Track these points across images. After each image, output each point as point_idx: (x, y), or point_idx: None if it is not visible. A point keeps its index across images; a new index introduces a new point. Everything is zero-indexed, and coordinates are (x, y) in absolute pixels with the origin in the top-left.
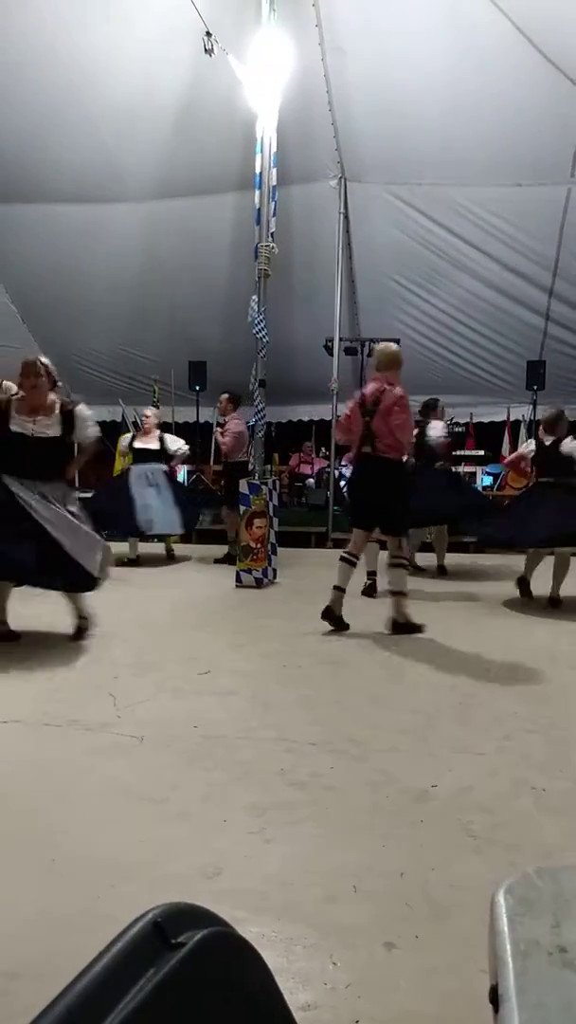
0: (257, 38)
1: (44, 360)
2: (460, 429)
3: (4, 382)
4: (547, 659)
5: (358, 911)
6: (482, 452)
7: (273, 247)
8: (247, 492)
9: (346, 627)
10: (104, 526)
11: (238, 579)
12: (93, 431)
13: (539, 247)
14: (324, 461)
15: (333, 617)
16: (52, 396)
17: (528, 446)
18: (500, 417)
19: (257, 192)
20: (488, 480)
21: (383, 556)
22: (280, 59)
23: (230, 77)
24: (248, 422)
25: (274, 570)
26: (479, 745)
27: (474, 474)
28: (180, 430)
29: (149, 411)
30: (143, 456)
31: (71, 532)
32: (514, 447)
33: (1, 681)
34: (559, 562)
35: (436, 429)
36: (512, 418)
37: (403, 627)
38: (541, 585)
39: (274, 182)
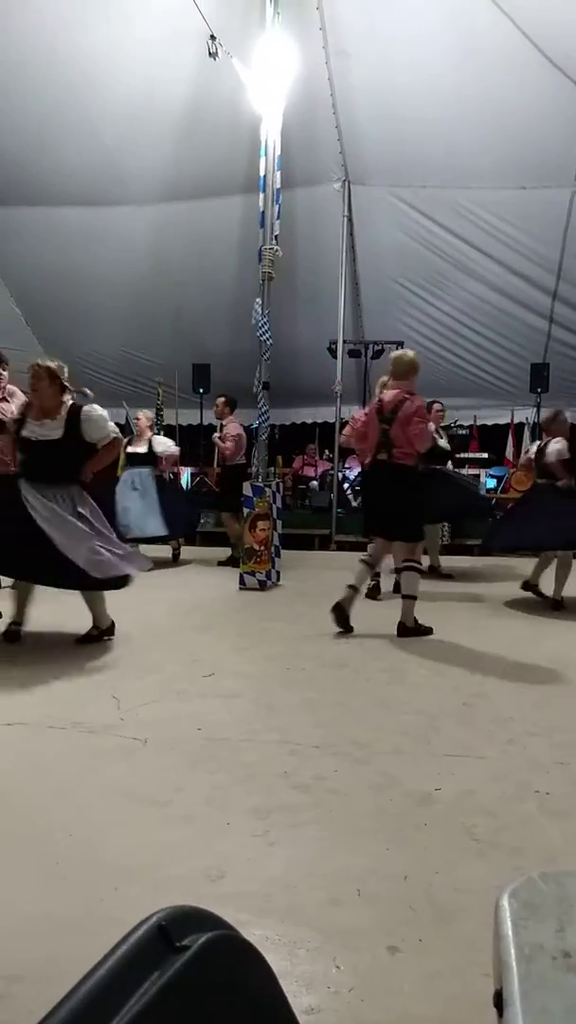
0: (261, 42)
1: (49, 362)
2: (464, 432)
3: (9, 386)
4: (550, 661)
5: (362, 914)
6: (486, 455)
7: (277, 250)
8: (251, 495)
9: (350, 629)
10: None
11: (242, 581)
12: (102, 432)
13: (543, 250)
14: (328, 463)
15: (342, 613)
16: (64, 398)
17: (534, 447)
18: (504, 420)
19: (261, 195)
20: (492, 483)
21: (388, 559)
22: (284, 62)
23: (234, 80)
24: (251, 425)
25: (278, 573)
26: (482, 748)
27: (478, 476)
28: (184, 433)
29: (141, 415)
30: (133, 460)
31: (69, 532)
32: (517, 450)
33: (4, 683)
34: (561, 564)
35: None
36: (516, 421)
37: (411, 631)
38: (542, 587)
39: (278, 185)
